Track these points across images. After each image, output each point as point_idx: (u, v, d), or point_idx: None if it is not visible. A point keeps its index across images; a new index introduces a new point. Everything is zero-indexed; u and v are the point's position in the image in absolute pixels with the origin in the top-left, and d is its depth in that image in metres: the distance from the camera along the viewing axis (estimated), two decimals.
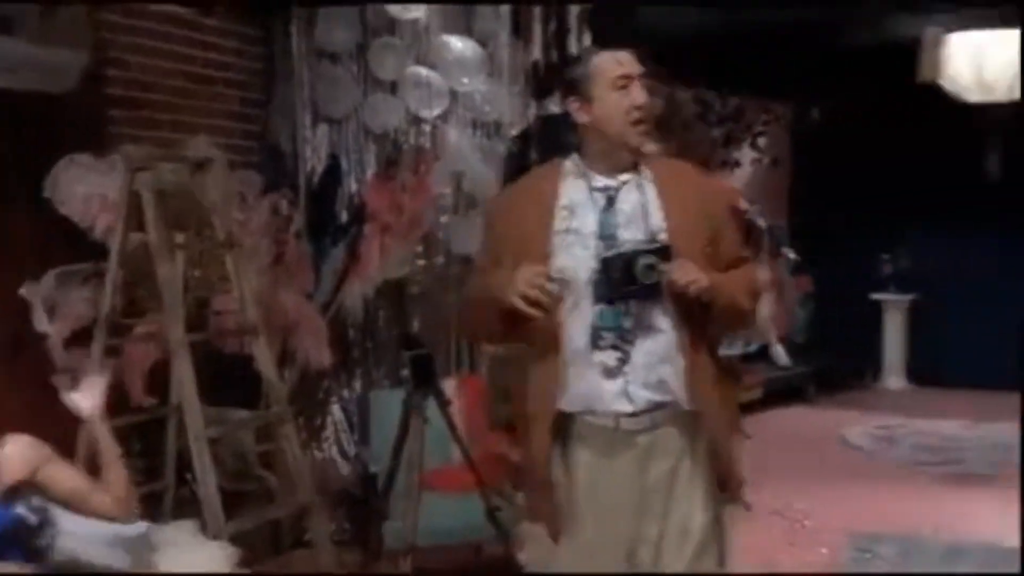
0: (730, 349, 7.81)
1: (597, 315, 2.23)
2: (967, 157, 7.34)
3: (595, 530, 2.29)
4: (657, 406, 2.25)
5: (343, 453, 4.73)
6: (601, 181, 2.30)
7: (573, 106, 2.30)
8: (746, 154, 8.48)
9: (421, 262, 4.75)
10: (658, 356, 2.24)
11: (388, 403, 3.99)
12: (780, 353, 8.41)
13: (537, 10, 4.83)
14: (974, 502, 5.49)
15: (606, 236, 2.25)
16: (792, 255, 8.62)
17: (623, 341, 2.23)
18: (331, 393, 4.74)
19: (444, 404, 3.56)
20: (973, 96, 6.44)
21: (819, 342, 8.84)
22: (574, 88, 2.30)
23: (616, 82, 2.26)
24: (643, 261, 2.16)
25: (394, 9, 4.63)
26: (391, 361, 4.65)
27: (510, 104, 4.98)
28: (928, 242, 8.61)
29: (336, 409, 4.75)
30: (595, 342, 2.23)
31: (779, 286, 8.41)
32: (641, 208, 2.27)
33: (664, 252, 2.18)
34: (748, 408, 7.12)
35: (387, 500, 3.68)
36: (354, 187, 4.73)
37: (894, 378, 9.11)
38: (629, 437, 2.25)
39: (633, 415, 2.24)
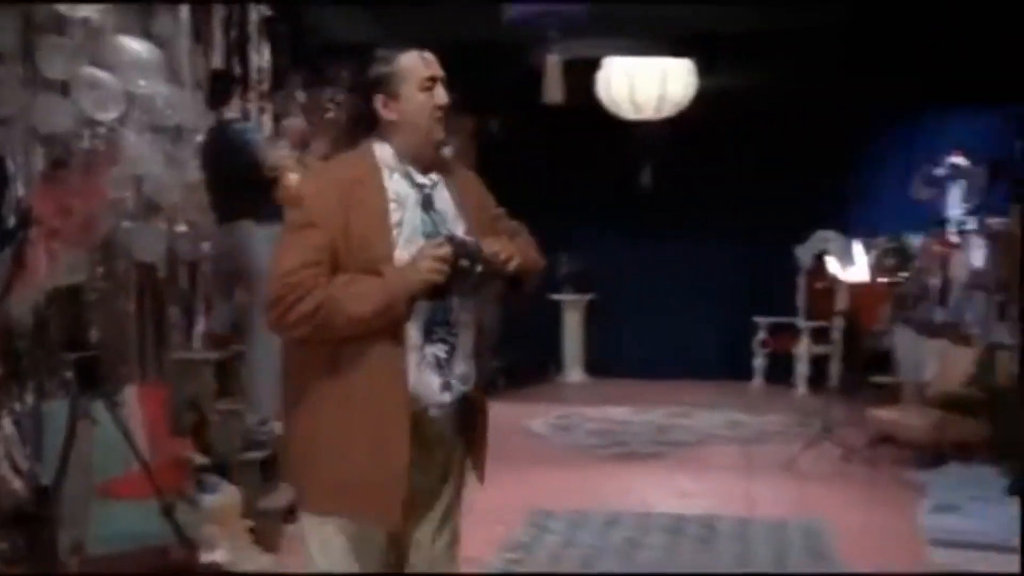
0: None
1: (430, 310, 2.29)
2: (629, 168, 8.12)
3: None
4: (463, 396, 2.37)
5: (15, 469, 4.49)
6: (419, 178, 2.36)
7: (378, 102, 2.34)
8: None
9: (99, 268, 4.62)
10: (471, 348, 2.37)
11: (61, 414, 3.87)
12: None
13: (218, 17, 4.85)
14: (635, 478, 6.15)
15: (431, 234, 2.30)
16: None
17: (450, 335, 2.32)
18: (1, 407, 4.50)
19: (113, 407, 3.51)
20: (628, 114, 7.18)
21: (507, 339, 9.34)
22: (379, 85, 2.34)
23: (423, 83, 2.33)
24: (477, 259, 2.26)
25: (62, 7, 4.49)
26: (64, 371, 4.49)
27: (193, 109, 4.97)
28: (601, 246, 9.34)
29: (7, 423, 4.50)
30: (428, 336, 2.30)
31: None
32: (453, 207, 2.38)
33: (479, 248, 2.29)
34: None
35: (57, 509, 3.58)
36: (22, 191, 4.52)
37: (574, 372, 9.80)
38: (431, 425, 2.34)
39: (443, 405, 2.33)
